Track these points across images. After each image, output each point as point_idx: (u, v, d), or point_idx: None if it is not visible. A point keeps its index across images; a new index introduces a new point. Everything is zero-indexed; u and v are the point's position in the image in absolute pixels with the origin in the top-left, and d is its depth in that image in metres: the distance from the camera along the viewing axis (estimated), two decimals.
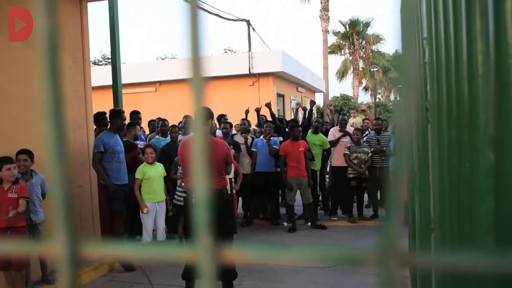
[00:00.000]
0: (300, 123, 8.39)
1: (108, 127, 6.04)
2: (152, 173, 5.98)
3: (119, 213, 5.79)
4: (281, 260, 0.33)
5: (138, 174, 5.97)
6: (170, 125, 7.72)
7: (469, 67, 1.04)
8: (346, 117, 9.01)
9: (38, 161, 4.91)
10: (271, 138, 8.04)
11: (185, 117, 7.99)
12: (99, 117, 6.50)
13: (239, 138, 8.13)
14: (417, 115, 2.64)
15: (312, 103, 8.71)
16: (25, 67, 5.31)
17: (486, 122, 0.95)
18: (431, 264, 0.31)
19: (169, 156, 6.51)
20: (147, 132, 9.13)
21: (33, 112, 5.36)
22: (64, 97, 0.38)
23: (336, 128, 8.69)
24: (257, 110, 8.94)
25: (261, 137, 8.13)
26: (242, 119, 8.74)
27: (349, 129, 8.73)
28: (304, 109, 8.86)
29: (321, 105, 27.72)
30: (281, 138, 8.24)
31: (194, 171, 0.34)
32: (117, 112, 5.98)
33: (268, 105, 8.46)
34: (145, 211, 5.90)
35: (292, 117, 13.58)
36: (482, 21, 0.93)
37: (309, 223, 7.88)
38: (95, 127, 6.59)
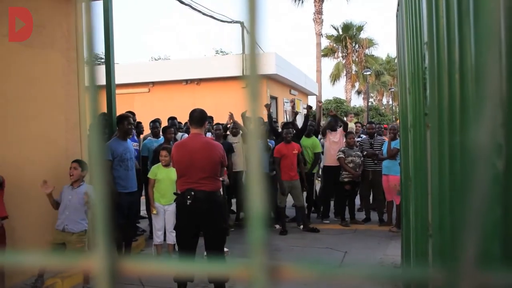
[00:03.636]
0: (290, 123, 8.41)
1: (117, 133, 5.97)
2: (162, 175, 5.98)
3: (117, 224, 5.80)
4: (337, 278, 0.31)
5: (150, 174, 6.08)
6: (162, 126, 7.73)
7: (477, 73, 1.03)
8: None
9: (28, 158, 4.87)
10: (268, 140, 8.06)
11: (170, 118, 8.17)
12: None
13: (231, 139, 8.11)
14: (415, 121, 2.63)
15: (309, 107, 8.72)
16: (20, 66, 5.27)
17: (494, 129, 0.93)
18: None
19: None
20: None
21: (25, 111, 5.32)
22: (101, 102, 0.37)
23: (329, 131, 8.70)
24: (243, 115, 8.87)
25: None
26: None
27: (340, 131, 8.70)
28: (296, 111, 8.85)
29: (314, 107, 27.78)
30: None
31: (250, 186, 0.32)
32: (123, 117, 5.91)
33: (267, 105, 8.46)
34: (154, 212, 5.99)
35: (286, 120, 13.55)
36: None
37: (301, 226, 7.87)
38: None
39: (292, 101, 9.28)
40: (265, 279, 0.32)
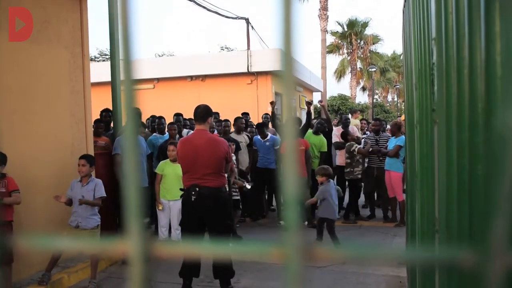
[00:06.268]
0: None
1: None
2: (169, 171, 6.02)
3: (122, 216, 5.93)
4: (370, 260, 0.32)
5: (157, 169, 6.14)
6: (168, 122, 7.76)
7: (487, 68, 1.03)
8: (348, 116, 9.10)
9: (34, 154, 4.88)
10: (270, 135, 8.16)
11: (176, 115, 8.27)
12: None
13: (236, 137, 8.13)
14: (422, 117, 2.63)
15: (308, 103, 8.73)
16: (25, 62, 5.28)
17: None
18: None
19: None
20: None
21: (30, 107, 5.34)
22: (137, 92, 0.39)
23: (339, 128, 8.74)
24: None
25: (258, 136, 8.22)
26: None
27: (351, 128, 8.82)
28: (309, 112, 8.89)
29: (319, 104, 27.81)
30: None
31: (284, 171, 0.33)
32: None
33: (272, 103, 8.49)
34: (160, 208, 6.06)
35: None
36: (502, 21, 0.92)
37: (306, 222, 7.87)
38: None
39: (310, 103, 8.99)
40: (299, 260, 0.32)
